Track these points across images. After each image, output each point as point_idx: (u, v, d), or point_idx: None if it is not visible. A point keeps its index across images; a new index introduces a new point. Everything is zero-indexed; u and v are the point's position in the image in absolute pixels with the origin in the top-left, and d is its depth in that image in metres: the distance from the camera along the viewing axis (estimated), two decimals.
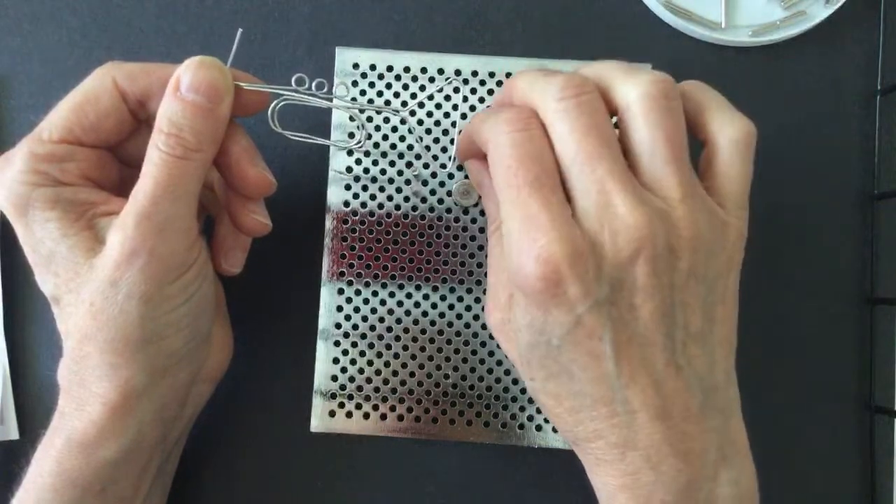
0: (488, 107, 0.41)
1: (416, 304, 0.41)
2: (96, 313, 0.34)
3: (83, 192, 0.35)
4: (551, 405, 0.33)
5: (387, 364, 0.41)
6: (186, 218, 0.34)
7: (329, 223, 0.41)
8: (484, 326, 0.41)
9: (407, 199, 0.41)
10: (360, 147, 0.40)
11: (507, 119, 0.32)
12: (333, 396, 0.41)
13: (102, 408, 0.34)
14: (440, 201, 0.41)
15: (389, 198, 0.41)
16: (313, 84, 0.37)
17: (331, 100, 0.38)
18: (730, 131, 0.34)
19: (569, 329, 0.31)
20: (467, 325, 0.41)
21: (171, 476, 0.41)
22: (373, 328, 0.41)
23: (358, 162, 0.41)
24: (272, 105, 0.37)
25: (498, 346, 0.41)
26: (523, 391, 0.41)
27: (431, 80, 0.41)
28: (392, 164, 0.41)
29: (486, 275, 0.41)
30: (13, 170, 0.35)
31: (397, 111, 0.40)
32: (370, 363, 0.41)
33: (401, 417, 0.41)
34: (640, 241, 0.30)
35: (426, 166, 0.41)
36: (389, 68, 0.41)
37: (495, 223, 0.37)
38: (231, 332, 0.41)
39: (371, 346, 0.41)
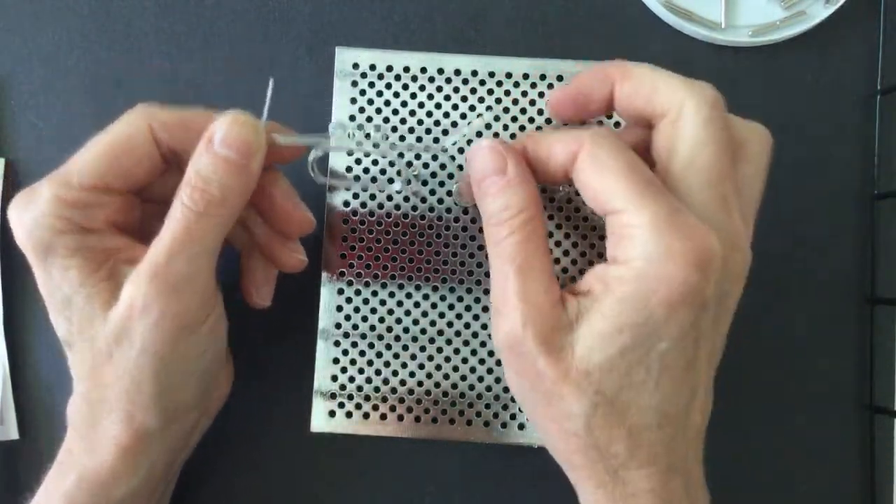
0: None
1: (416, 304, 0.41)
2: (112, 365, 0.34)
3: (107, 240, 0.35)
4: (599, 426, 0.32)
5: (387, 364, 0.41)
6: (203, 276, 0.34)
7: (328, 223, 0.41)
8: (484, 326, 0.41)
9: (407, 198, 0.41)
10: (410, 189, 0.40)
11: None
12: (333, 396, 0.41)
13: (115, 449, 0.35)
14: (440, 201, 0.41)
15: (389, 198, 0.41)
16: (351, 130, 0.37)
17: (375, 145, 0.38)
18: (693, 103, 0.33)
19: (685, 332, 0.31)
20: (467, 325, 0.41)
21: (173, 487, 0.42)
22: (373, 328, 0.41)
23: (358, 162, 0.41)
24: (311, 157, 0.38)
25: None
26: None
27: (431, 79, 0.41)
28: (392, 163, 0.41)
29: (487, 275, 0.41)
30: (37, 211, 0.34)
31: (443, 149, 0.40)
32: (370, 363, 0.41)
33: (401, 417, 0.41)
34: (747, 265, 0.32)
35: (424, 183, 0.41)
36: (389, 68, 0.41)
37: (523, 214, 0.34)
38: (232, 365, 0.42)
39: (371, 346, 0.41)
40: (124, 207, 0.36)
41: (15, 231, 0.34)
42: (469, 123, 0.40)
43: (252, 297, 0.40)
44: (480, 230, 0.41)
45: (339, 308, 0.41)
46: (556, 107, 0.37)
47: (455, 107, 0.41)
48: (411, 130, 0.41)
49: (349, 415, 0.41)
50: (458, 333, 0.41)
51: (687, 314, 0.30)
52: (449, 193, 0.41)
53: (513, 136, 0.41)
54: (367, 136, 0.38)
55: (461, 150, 0.41)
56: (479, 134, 0.40)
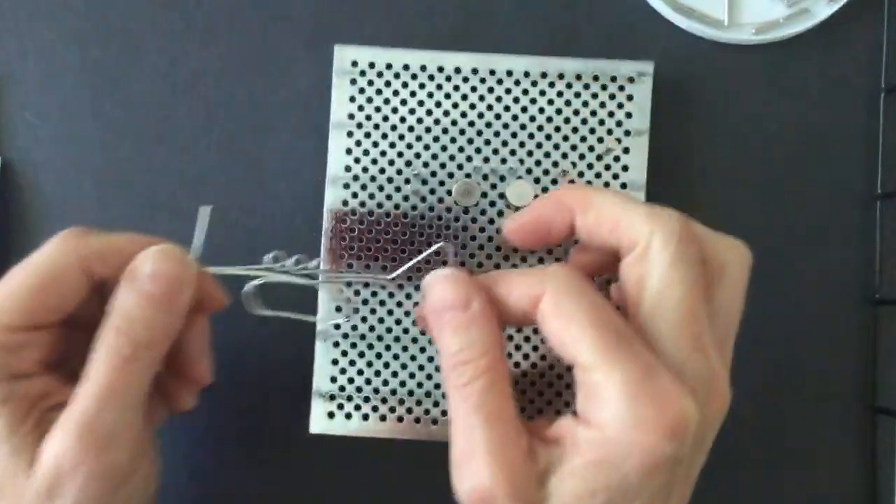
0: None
1: (416, 305, 0.41)
2: None
3: (36, 384, 0.33)
4: None
5: (386, 365, 0.41)
6: (135, 426, 0.32)
7: (327, 223, 0.41)
8: None
9: (406, 198, 0.41)
10: (348, 321, 0.39)
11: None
12: (332, 398, 0.41)
13: None
14: (440, 200, 0.41)
15: (388, 197, 0.41)
16: (291, 260, 0.36)
17: (315, 276, 0.36)
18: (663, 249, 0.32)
19: (659, 490, 0.30)
20: None
21: None
22: (372, 329, 0.41)
23: (357, 161, 0.41)
24: (247, 287, 0.36)
25: None
26: (523, 392, 0.41)
27: (431, 77, 0.41)
28: (391, 162, 0.41)
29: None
30: None
31: (387, 280, 0.39)
32: (369, 364, 0.41)
33: (400, 419, 0.41)
34: (726, 408, 0.32)
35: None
36: (388, 66, 0.41)
37: (488, 356, 0.32)
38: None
39: (370, 346, 0.41)
40: (53, 342, 0.34)
41: None
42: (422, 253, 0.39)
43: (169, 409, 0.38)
44: (481, 229, 0.41)
45: (338, 309, 0.41)
46: (514, 235, 0.36)
47: (455, 105, 0.41)
48: (410, 129, 0.41)
49: (349, 416, 0.41)
50: None
51: (661, 476, 0.29)
52: (449, 193, 0.41)
53: (513, 135, 0.41)
54: (304, 267, 0.37)
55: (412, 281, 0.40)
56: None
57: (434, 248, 0.36)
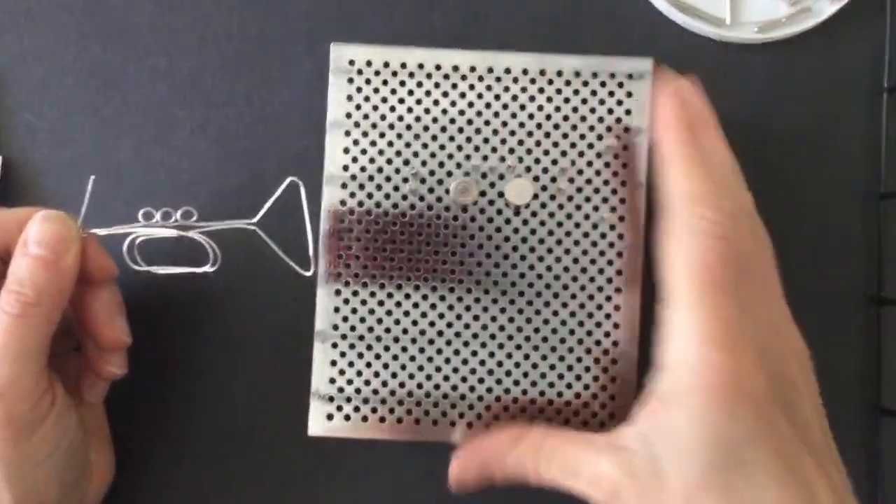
0: None
1: (415, 305, 0.41)
2: None
3: None
4: None
5: (385, 366, 0.41)
6: (29, 378, 0.34)
7: (325, 222, 0.41)
8: (485, 327, 0.40)
9: (404, 197, 0.41)
10: (213, 268, 0.40)
11: None
12: (331, 399, 0.41)
13: None
14: (438, 199, 0.41)
15: (386, 196, 0.41)
16: (158, 215, 0.38)
17: (185, 229, 0.38)
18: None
19: (763, 429, 0.31)
20: (467, 326, 0.41)
21: None
22: (370, 329, 0.41)
23: (354, 160, 0.41)
24: (125, 244, 0.38)
25: (500, 346, 0.40)
26: (524, 392, 0.40)
27: (428, 76, 0.41)
28: (389, 161, 0.41)
29: (487, 275, 0.40)
30: None
31: (250, 225, 0.40)
32: (368, 365, 0.41)
33: (399, 420, 0.41)
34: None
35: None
36: (386, 64, 0.41)
37: None
38: (112, 455, 0.41)
39: (369, 347, 0.41)
40: None
41: None
42: None
43: (83, 394, 0.39)
44: (480, 228, 0.41)
45: (337, 309, 0.41)
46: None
47: (453, 103, 0.41)
48: (408, 128, 0.41)
49: (347, 418, 0.41)
50: (457, 334, 0.41)
51: (748, 408, 0.31)
52: (447, 192, 0.41)
53: (512, 133, 0.40)
54: (175, 220, 0.38)
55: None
56: None
57: (284, 184, 0.38)
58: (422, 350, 0.41)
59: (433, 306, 0.41)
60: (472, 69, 0.41)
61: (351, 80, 0.41)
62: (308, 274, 0.39)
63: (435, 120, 0.41)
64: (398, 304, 0.41)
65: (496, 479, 0.38)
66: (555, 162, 0.41)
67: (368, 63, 0.41)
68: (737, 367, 0.31)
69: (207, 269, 0.39)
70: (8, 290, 0.34)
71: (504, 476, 0.37)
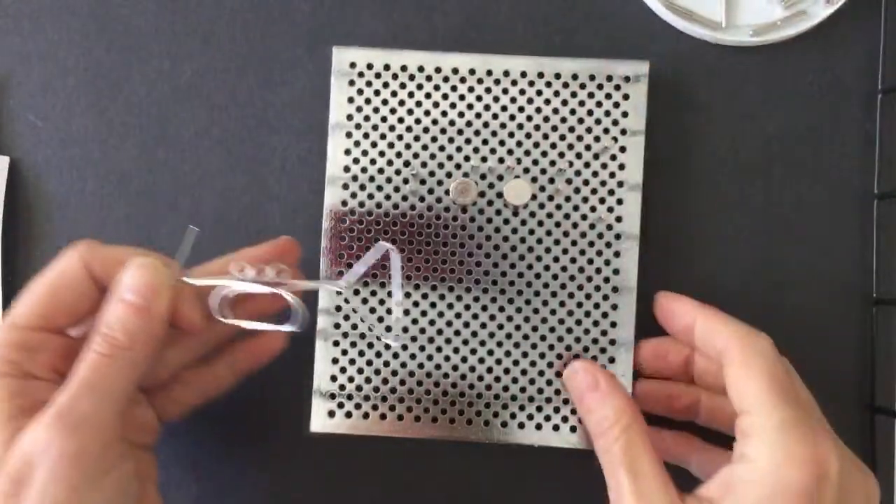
0: None
1: (415, 304, 0.41)
2: None
3: (45, 389, 0.34)
4: None
5: (386, 364, 0.41)
6: (107, 417, 0.34)
7: (326, 223, 0.41)
8: (483, 325, 0.41)
9: (405, 198, 0.41)
10: (301, 328, 0.38)
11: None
12: (333, 397, 0.41)
13: None
14: (438, 200, 0.41)
15: (387, 197, 0.41)
16: (252, 271, 0.37)
17: (280, 284, 0.37)
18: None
19: None
20: (466, 324, 0.41)
21: None
22: (371, 328, 0.41)
23: (355, 161, 0.41)
24: (213, 294, 0.38)
25: (498, 344, 0.41)
26: (523, 390, 0.41)
27: (429, 78, 0.41)
28: (390, 163, 0.41)
29: (486, 274, 0.41)
30: None
31: (339, 290, 0.40)
32: (369, 363, 0.41)
33: (400, 417, 0.41)
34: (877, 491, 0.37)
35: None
36: (387, 67, 0.41)
37: (621, 421, 0.37)
38: None
39: (370, 345, 0.41)
40: (66, 350, 0.36)
41: None
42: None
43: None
44: (479, 228, 0.41)
45: (338, 308, 0.41)
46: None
47: (453, 105, 0.41)
48: (408, 130, 0.41)
49: (349, 415, 0.41)
50: (457, 332, 0.41)
51: None
52: (447, 192, 0.41)
53: (511, 134, 0.41)
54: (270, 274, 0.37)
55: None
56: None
57: (378, 251, 0.37)
58: (422, 348, 0.41)
59: (433, 305, 0.41)
60: (472, 72, 0.41)
61: (352, 83, 0.41)
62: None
63: (435, 122, 0.41)
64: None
65: None
66: (553, 163, 0.41)
67: (369, 66, 0.41)
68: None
69: (295, 328, 0.38)
70: (98, 332, 0.34)
71: None
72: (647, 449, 0.36)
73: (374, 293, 0.41)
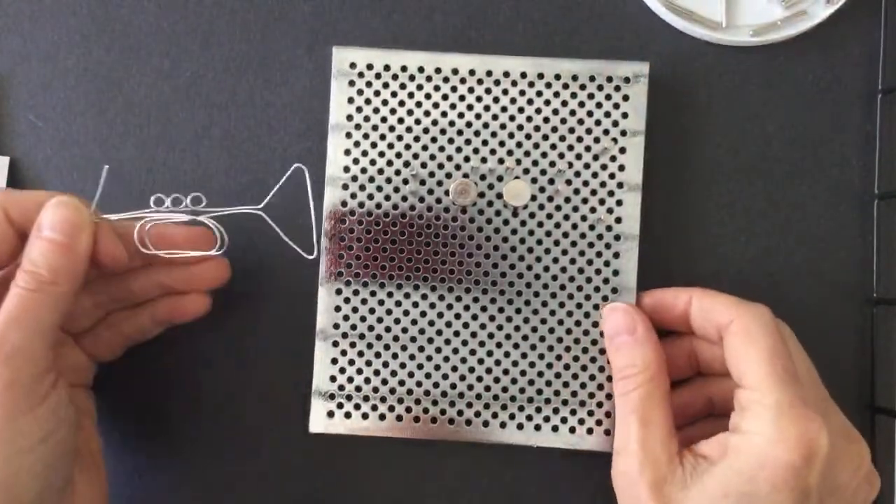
0: None
1: (415, 304, 0.41)
2: None
3: None
4: None
5: (385, 364, 0.41)
6: (37, 349, 0.35)
7: (326, 223, 0.41)
8: (483, 326, 0.41)
9: (405, 198, 0.41)
10: (221, 251, 0.40)
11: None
12: (332, 397, 0.41)
13: None
14: (438, 201, 0.41)
15: (387, 197, 0.41)
16: (169, 201, 0.39)
17: (195, 214, 0.39)
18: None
19: None
20: (465, 325, 0.41)
21: None
22: (371, 328, 0.41)
23: (355, 162, 0.41)
24: (136, 229, 0.39)
25: (498, 345, 0.41)
26: (522, 391, 0.41)
27: (428, 79, 0.41)
28: (389, 163, 0.41)
29: (485, 275, 0.41)
30: None
31: (257, 211, 0.41)
32: (368, 363, 0.41)
33: (399, 418, 0.41)
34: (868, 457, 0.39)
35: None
36: (387, 67, 0.41)
37: (647, 371, 0.39)
38: (105, 487, 0.40)
39: (369, 346, 0.41)
40: None
41: None
42: None
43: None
44: (479, 229, 0.41)
45: (338, 308, 0.41)
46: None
47: (453, 106, 0.41)
48: (408, 130, 0.41)
49: (348, 415, 0.41)
50: (456, 333, 0.41)
51: (787, 497, 0.34)
52: (446, 193, 0.41)
53: (510, 135, 0.41)
54: (185, 205, 0.39)
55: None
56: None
57: (290, 170, 0.39)
58: (421, 349, 0.41)
59: (432, 305, 0.41)
60: (472, 72, 0.41)
61: (352, 83, 0.41)
62: (311, 257, 0.40)
63: (435, 122, 0.41)
64: (398, 303, 0.41)
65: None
66: (552, 164, 0.41)
67: (369, 66, 0.41)
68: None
69: (215, 252, 0.40)
70: (23, 270, 0.35)
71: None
72: (662, 404, 0.38)
73: (373, 293, 0.41)
